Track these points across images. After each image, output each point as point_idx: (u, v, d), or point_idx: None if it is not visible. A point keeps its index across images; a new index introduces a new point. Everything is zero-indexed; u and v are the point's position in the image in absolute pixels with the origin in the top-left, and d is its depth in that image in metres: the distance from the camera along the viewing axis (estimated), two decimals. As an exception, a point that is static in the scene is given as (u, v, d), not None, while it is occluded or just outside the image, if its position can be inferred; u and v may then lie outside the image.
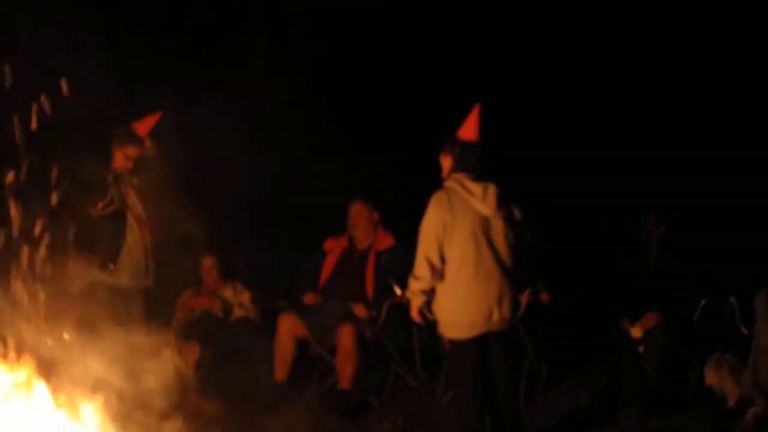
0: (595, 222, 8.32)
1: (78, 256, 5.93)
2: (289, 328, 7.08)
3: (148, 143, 6.18)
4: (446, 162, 5.71)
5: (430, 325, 5.83)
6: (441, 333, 5.74)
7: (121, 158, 6.23)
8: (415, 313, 5.66)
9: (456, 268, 5.50)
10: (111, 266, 5.91)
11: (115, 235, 5.95)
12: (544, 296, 6.80)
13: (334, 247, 7.40)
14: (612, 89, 9.13)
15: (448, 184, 5.62)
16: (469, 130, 5.63)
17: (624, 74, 9.21)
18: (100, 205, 5.95)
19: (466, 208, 5.51)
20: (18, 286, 5.05)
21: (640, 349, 6.75)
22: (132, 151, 6.19)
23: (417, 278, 5.57)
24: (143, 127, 6.22)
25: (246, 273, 8.09)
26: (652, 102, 9.05)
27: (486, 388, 5.62)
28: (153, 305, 6.25)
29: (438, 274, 5.51)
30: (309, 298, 7.26)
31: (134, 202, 6.14)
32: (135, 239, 6.06)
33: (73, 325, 5.71)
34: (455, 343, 5.63)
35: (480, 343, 5.58)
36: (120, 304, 5.94)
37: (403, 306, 6.67)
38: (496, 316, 5.52)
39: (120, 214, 6.05)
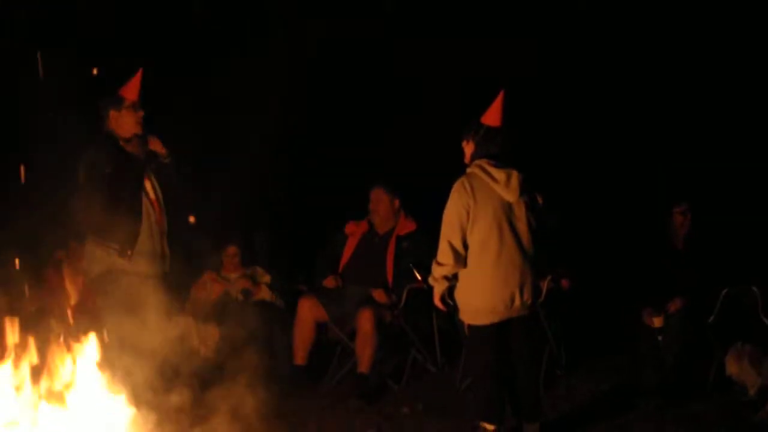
0: (618, 210, 8.30)
1: (95, 243, 5.94)
2: (308, 311, 7.09)
3: (157, 144, 6.11)
4: (469, 148, 5.70)
5: (451, 311, 5.82)
6: (461, 319, 5.73)
7: (126, 122, 6.08)
8: (437, 299, 5.66)
9: (478, 254, 5.49)
10: (129, 252, 5.89)
11: (132, 221, 5.93)
12: (565, 282, 6.80)
13: (354, 231, 7.40)
14: (643, 68, 9.09)
15: (470, 170, 5.61)
16: (492, 116, 5.61)
17: (656, 53, 9.15)
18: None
19: (489, 194, 5.50)
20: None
21: (661, 338, 6.74)
22: (129, 116, 6.05)
23: (440, 264, 5.56)
24: (131, 89, 6.11)
25: (267, 256, 8.11)
26: (679, 84, 9.01)
27: (506, 373, 5.63)
28: (171, 291, 6.24)
29: (461, 260, 5.51)
30: (329, 282, 7.27)
31: (150, 186, 6.11)
32: (151, 225, 6.03)
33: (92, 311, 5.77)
34: (476, 329, 5.62)
35: (501, 329, 5.58)
36: (138, 290, 5.93)
37: (423, 291, 6.70)
38: (517, 302, 5.52)
39: (137, 198, 6.03)
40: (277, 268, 7.86)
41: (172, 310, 6.11)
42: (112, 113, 5.92)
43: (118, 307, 5.75)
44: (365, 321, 6.86)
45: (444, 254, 5.53)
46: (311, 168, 8.60)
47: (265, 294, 7.64)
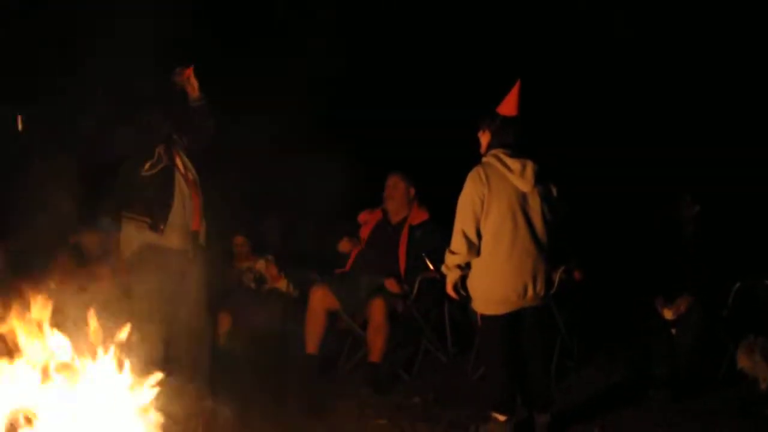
0: (630, 201, 8.28)
1: (128, 219, 5.96)
2: (320, 300, 7.09)
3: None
4: (485, 138, 5.70)
5: (463, 301, 5.83)
6: (474, 309, 5.73)
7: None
8: (450, 288, 5.67)
9: (492, 244, 5.50)
10: (161, 227, 5.90)
11: (164, 196, 5.93)
12: (578, 274, 6.79)
13: (368, 220, 7.40)
14: (656, 58, 9.07)
15: (486, 159, 5.61)
16: (508, 105, 5.61)
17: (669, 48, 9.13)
18: (147, 164, 5.93)
19: (503, 183, 5.50)
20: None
21: (673, 330, 6.73)
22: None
23: (453, 253, 5.57)
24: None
25: (279, 245, 8.12)
26: (694, 73, 8.99)
27: (517, 364, 5.64)
28: (208, 267, 6.25)
29: (474, 249, 5.51)
30: (344, 245, 7.30)
31: (183, 162, 6.10)
32: (184, 199, 6.04)
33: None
34: (488, 319, 5.62)
35: (513, 319, 5.59)
36: (173, 266, 5.95)
37: (436, 281, 6.71)
38: (530, 293, 5.52)
39: (168, 173, 6.02)
40: (289, 257, 7.86)
41: (201, 285, 6.13)
42: None
43: (150, 281, 5.78)
44: (377, 311, 6.86)
45: (457, 243, 5.54)
46: (324, 156, 8.56)
47: (278, 283, 7.66)
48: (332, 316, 7.14)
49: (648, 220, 7.47)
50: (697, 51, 9.03)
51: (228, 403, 5.61)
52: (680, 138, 8.82)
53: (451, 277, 5.62)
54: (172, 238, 5.95)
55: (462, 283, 5.63)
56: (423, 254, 6.96)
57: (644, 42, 9.13)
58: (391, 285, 7.05)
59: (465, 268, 5.58)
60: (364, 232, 7.36)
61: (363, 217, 7.44)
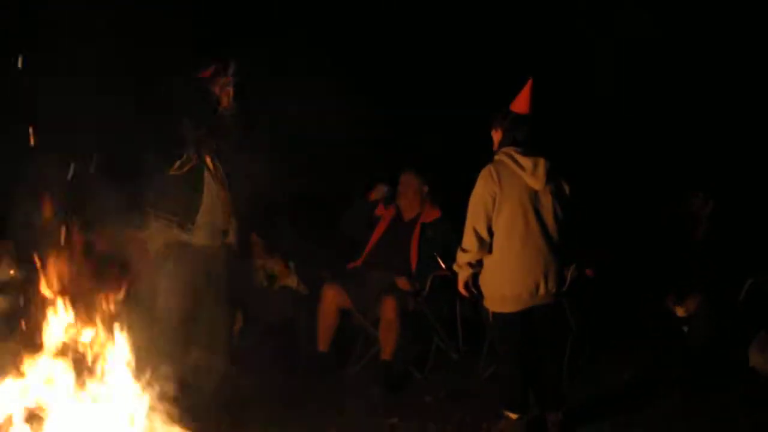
0: (642, 198, 8.27)
1: (156, 217, 6.00)
2: (332, 298, 7.09)
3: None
4: (497, 135, 5.71)
5: (474, 299, 5.83)
6: (486, 306, 5.73)
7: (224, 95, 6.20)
8: (461, 286, 5.67)
9: (504, 242, 5.50)
10: (189, 226, 5.96)
11: (192, 194, 5.99)
12: (589, 271, 6.77)
13: (383, 215, 7.41)
14: (664, 55, 9.04)
15: (498, 157, 5.62)
16: (520, 103, 5.61)
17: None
18: (177, 163, 5.98)
19: (515, 181, 5.50)
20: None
21: (684, 328, 6.72)
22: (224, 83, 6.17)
23: (464, 250, 5.57)
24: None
25: (291, 243, 8.11)
26: (699, 71, 8.95)
27: (530, 362, 5.64)
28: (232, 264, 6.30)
29: (486, 246, 5.52)
30: (377, 191, 7.37)
31: (212, 160, 6.14)
32: (213, 198, 6.09)
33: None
34: (500, 317, 5.62)
35: (525, 317, 5.59)
36: (198, 263, 6.01)
37: (447, 279, 6.70)
38: (542, 290, 5.52)
39: (198, 172, 6.08)
40: (301, 255, 7.86)
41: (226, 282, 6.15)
42: None
43: (177, 278, 5.82)
44: (389, 309, 6.87)
45: (468, 240, 5.54)
46: (334, 154, 8.56)
47: (289, 280, 7.67)
48: (344, 314, 7.14)
49: (656, 217, 7.47)
50: (712, 45, 8.99)
51: (239, 400, 5.66)
52: (690, 132, 8.78)
53: (463, 275, 5.62)
54: (201, 235, 6.02)
55: (474, 281, 5.63)
56: (435, 252, 6.96)
57: (654, 38, 9.10)
58: (402, 283, 7.06)
59: (476, 266, 5.59)
60: (379, 228, 7.36)
61: (378, 210, 7.44)
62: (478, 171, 5.59)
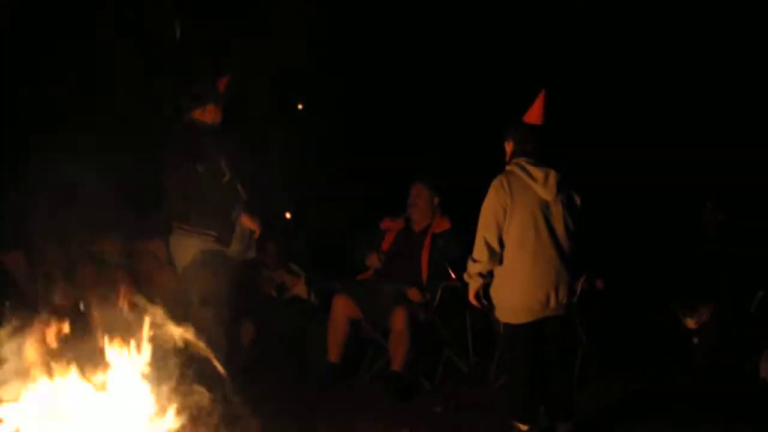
0: (652, 209, 8.27)
1: (185, 233, 6.09)
2: (342, 309, 7.10)
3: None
4: (509, 146, 5.72)
5: (485, 310, 5.84)
6: (496, 317, 5.74)
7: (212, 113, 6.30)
8: (472, 297, 5.68)
9: (515, 252, 5.51)
10: (229, 241, 6.08)
11: (229, 209, 6.10)
12: (599, 283, 6.78)
13: (390, 227, 7.43)
14: (673, 62, 9.04)
15: (509, 168, 5.63)
16: (533, 114, 5.63)
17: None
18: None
19: (526, 192, 5.52)
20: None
21: (695, 339, 6.72)
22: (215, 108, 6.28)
23: (475, 261, 5.58)
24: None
25: (303, 254, 8.15)
26: (712, 80, 8.94)
27: (540, 373, 5.64)
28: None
29: (496, 257, 5.53)
30: (372, 261, 7.32)
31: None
32: (245, 209, 6.22)
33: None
34: (510, 328, 5.63)
35: (536, 328, 5.59)
36: (228, 272, 6.10)
37: (458, 290, 6.72)
38: (552, 302, 5.53)
39: (232, 186, 6.19)
40: (312, 266, 7.89)
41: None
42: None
43: (211, 290, 5.88)
44: (399, 319, 6.87)
45: (479, 251, 5.55)
46: (346, 166, 8.60)
47: (299, 290, 7.69)
48: (354, 325, 7.15)
49: (667, 226, 7.47)
50: (722, 50, 8.98)
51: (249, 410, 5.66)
52: (703, 140, 8.76)
53: (474, 285, 5.63)
54: (233, 248, 6.11)
55: (484, 292, 5.64)
56: (445, 263, 6.98)
57: (655, 50, 9.10)
58: (413, 294, 7.07)
59: (487, 276, 5.59)
60: (387, 241, 7.39)
61: (385, 224, 7.46)
62: (486, 181, 5.61)
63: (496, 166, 5.72)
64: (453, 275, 6.84)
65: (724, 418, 6.16)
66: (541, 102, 5.61)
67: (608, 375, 7.12)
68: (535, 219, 5.51)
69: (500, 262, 5.55)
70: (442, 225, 7.27)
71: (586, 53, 9.14)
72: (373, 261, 7.34)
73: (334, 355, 7.08)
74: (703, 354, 6.68)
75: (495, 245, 5.51)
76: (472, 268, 5.60)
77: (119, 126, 7.32)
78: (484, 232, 5.54)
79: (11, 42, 7.49)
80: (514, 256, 5.52)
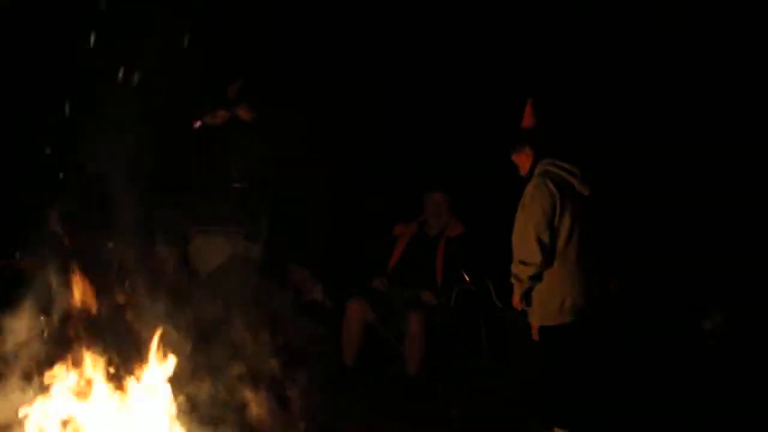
0: (669, 213, 8.22)
1: (220, 232, 6.11)
2: (357, 313, 7.11)
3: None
4: (523, 157, 5.67)
5: (499, 313, 5.81)
6: (531, 320, 5.62)
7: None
8: (517, 300, 5.59)
9: (563, 250, 5.44)
10: (260, 241, 6.12)
11: (259, 210, 6.14)
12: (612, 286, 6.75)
13: (403, 233, 7.43)
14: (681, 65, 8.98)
15: (542, 169, 5.55)
16: (527, 118, 5.61)
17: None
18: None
19: (567, 189, 5.45)
20: None
21: (711, 342, 6.70)
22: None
23: (527, 264, 5.44)
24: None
25: (317, 259, 8.15)
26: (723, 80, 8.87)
27: (575, 376, 5.56)
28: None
29: (552, 257, 5.42)
30: (377, 284, 7.31)
31: None
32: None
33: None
34: (549, 330, 5.54)
35: (571, 330, 5.52)
36: (254, 275, 6.13)
37: (472, 293, 6.72)
38: (590, 303, 5.48)
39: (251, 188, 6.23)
40: (327, 270, 7.89)
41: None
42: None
43: (246, 291, 5.91)
44: (414, 323, 6.89)
45: (532, 253, 5.41)
46: (359, 172, 8.58)
47: (315, 294, 7.69)
48: (369, 328, 7.16)
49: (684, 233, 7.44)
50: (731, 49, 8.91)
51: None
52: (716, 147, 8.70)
53: (522, 288, 5.52)
54: (255, 249, 6.14)
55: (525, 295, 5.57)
56: (461, 267, 6.98)
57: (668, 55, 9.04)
58: (428, 297, 7.08)
59: (536, 279, 5.49)
60: (400, 246, 7.39)
61: (398, 230, 7.47)
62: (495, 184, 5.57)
63: (508, 170, 5.70)
64: (467, 278, 6.83)
65: (745, 423, 6.13)
66: (530, 107, 5.59)
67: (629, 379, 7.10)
68: (578, 215, 5.44)
69: (551, 262, 5.46)
70: (456, 229, 7.28)
71: (592, 60, 9.09)
72: (379, 284, 7.33)
73: (348, 358, 7.10)
74: (719, 358, 6.65)
75: (549, 244, 5.40)
76: (524, 271, 5.47)
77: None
78: (537, 230, 5.38)
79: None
80: (563, 254, 5.44)
